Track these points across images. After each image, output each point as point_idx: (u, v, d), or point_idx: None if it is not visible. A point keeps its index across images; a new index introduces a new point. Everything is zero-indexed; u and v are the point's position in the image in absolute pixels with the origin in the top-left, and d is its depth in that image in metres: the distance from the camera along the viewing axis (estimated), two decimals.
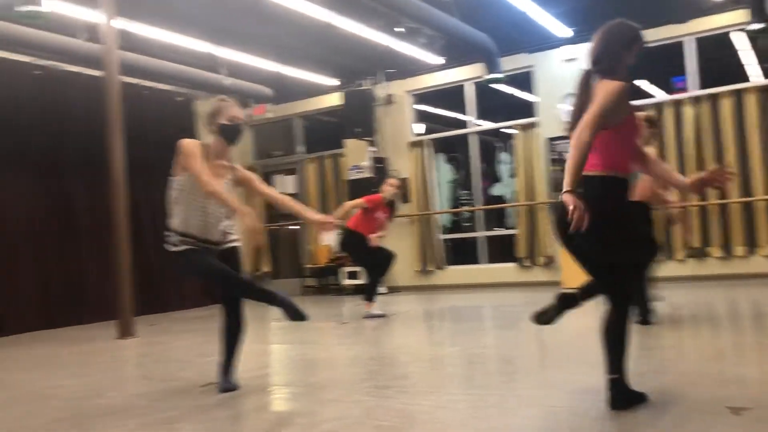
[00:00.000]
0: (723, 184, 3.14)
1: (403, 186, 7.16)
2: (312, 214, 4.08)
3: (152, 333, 7.20)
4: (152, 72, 9.30)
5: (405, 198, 10.45)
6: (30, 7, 5.83)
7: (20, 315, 7.92)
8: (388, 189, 7.15)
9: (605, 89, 2.84)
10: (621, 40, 2.98)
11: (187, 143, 3.69)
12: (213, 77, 9.85)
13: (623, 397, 2.91)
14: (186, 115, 10.70)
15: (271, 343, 6.23)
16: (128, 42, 8.13)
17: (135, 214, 9.55)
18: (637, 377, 3.46)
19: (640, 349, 4.48)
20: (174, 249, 3.74)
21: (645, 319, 5.09)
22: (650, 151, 4.93)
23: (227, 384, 3.84)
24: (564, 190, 2.75)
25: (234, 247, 3.90)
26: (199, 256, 3.70)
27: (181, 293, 9.99)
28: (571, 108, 3.04)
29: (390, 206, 7.21)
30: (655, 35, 8.90)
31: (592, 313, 6.54)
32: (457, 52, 9.62)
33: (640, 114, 4.84)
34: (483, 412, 3.10)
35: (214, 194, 3.59)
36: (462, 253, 10.82)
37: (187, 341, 6.39)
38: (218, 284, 3.88)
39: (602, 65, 2.95)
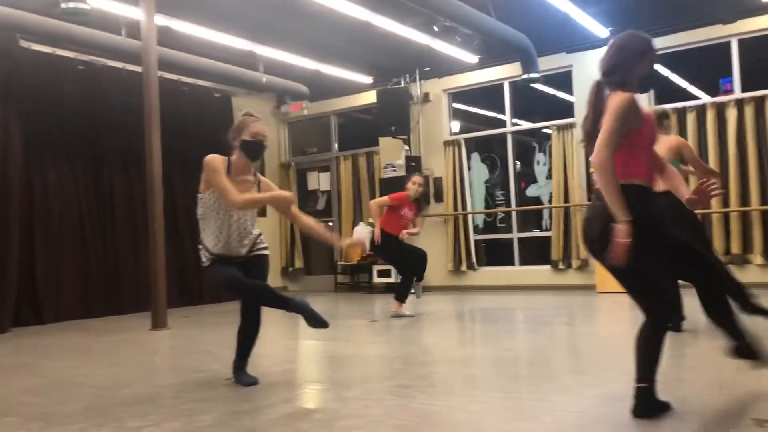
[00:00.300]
0: (709, 199, 3.07)
1: (429, 183, 7.19)
2: (336, 239, 4.76)
3: (185, 325, 7.33)
4: (192, 68, 9.47)
5: (433, 196, 10.44)
6: (75, 4, 5.98)
7: (59, 304, 8.15)
8: (411, 186, 7.12)
9: (614, 103, 2.83)
10: (633, 51, 2.95)
11: (211, 159, 3.75)
12: (251, 74, 9.98)
13: (648, 406, 2.86)
14: (224, 111, 10.84)
15: (300, 339, 6.28)
16: (169, 38, 8.29)
17: (172, 209, 9.75)
18: (662, 385, 3.39)
19: (670, 356, 4.38)
20: (203, 264, 3.87)
21: (675, 327, 5.00)
22: (669, 139, 4.94)
23: (246, 379, 3.89)
24: (621, 220, 2.71)
25: (260, 255, 3.95)
26: (219, 267, 3.79)
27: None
28: (584, 119, 3.04)
29: (416, 203, 7.19)
30: (699, 36, 8.74)
31: (623, 319, 6.43)
32: (495, 52, 9.56)
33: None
34: (499, 415, 3.08)
35: (244, 206, 3.71)
36: (496, 254, 10.75)
37: (217, 334, 6.47)
38: (234, 294, 3.94)
39: (614, 77, 2.93)
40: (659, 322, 2.88)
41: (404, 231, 7.04)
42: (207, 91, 10.53)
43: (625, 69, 2.91)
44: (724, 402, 3.07)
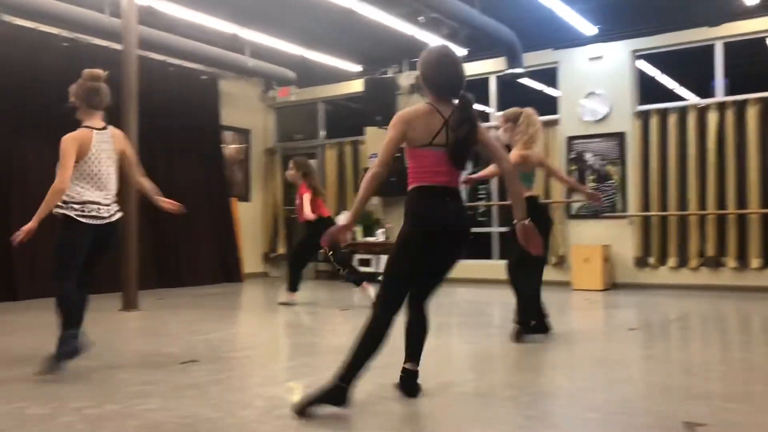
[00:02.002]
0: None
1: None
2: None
3: (157, 307, 7.34)
4: (177, 50, 9.42)
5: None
6: None
7: (34, 281, 8.13)
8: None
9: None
10: (423, 62, 3.27)
11: (64, 140, 3.98)
12: (237, 58, 9.94)
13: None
14: (211, 93, 10.84)
15: (267, 326, 6.29)
16: (154, 19, 8.24)
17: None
18: (601, 386, 3.43)
19: (619, 357, 4.42)
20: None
21: (540, 327, 5.00)
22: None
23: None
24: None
25: None
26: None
27: (195, 269, 10.16)
28: None
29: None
30: (684, 37, 8.73)
31: (593, 317, 6.45)
32: (481, 45, 9.52)
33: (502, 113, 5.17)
34: (446, 413, 3.10)
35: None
36: (474, 247, 10.78)
37: (185, 317, 6.50)
38: None
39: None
40: (373, 316, 3.13)
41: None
42: (194, 72, 10.49)
43: (422, 78, 3.26)
44: (660, 404, 3.09)
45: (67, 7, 7.81)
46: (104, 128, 4.16)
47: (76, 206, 3.98)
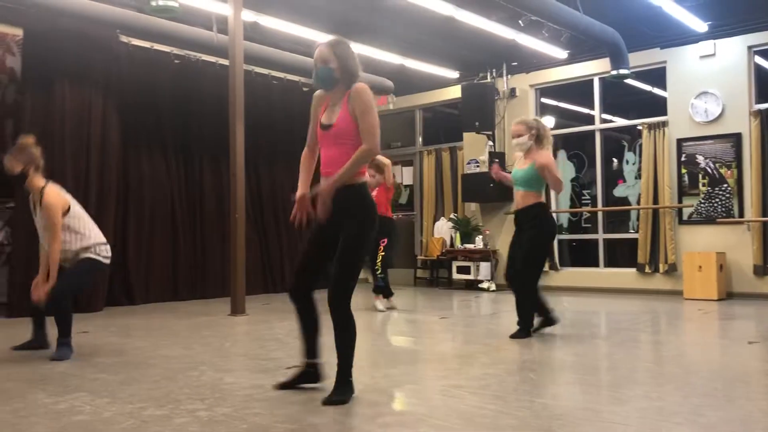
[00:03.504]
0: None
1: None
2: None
3: (263, 311, 7.58)
4: (280, 63, 9.71)
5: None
6: (162, 2, 6.27)
7: (149, 287, 8.61)
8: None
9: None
10: None
11: (53, 206, 4.63)
12: None
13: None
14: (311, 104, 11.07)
15: (364, 332, 6.34)
16: (258, 34, 8.56)
17: (258, 198, 10.09)
18: (718, 402, 3.23)
19: (737, 372, 4.15)
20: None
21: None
22: None
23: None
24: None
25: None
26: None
27: None
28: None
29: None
30: None
31: (708, 329, 6.08)
32: (584, 46, 9.29)
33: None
34: (549, 422, 3.02)
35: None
36: (580, 255, 10.46)
37: (290, 322, 6.61)
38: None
39: None
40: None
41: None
42: (296, 85, 10.77)
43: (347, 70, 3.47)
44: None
45: (178, 26, 8.24)
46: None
47: (101, 247, 4.90)
